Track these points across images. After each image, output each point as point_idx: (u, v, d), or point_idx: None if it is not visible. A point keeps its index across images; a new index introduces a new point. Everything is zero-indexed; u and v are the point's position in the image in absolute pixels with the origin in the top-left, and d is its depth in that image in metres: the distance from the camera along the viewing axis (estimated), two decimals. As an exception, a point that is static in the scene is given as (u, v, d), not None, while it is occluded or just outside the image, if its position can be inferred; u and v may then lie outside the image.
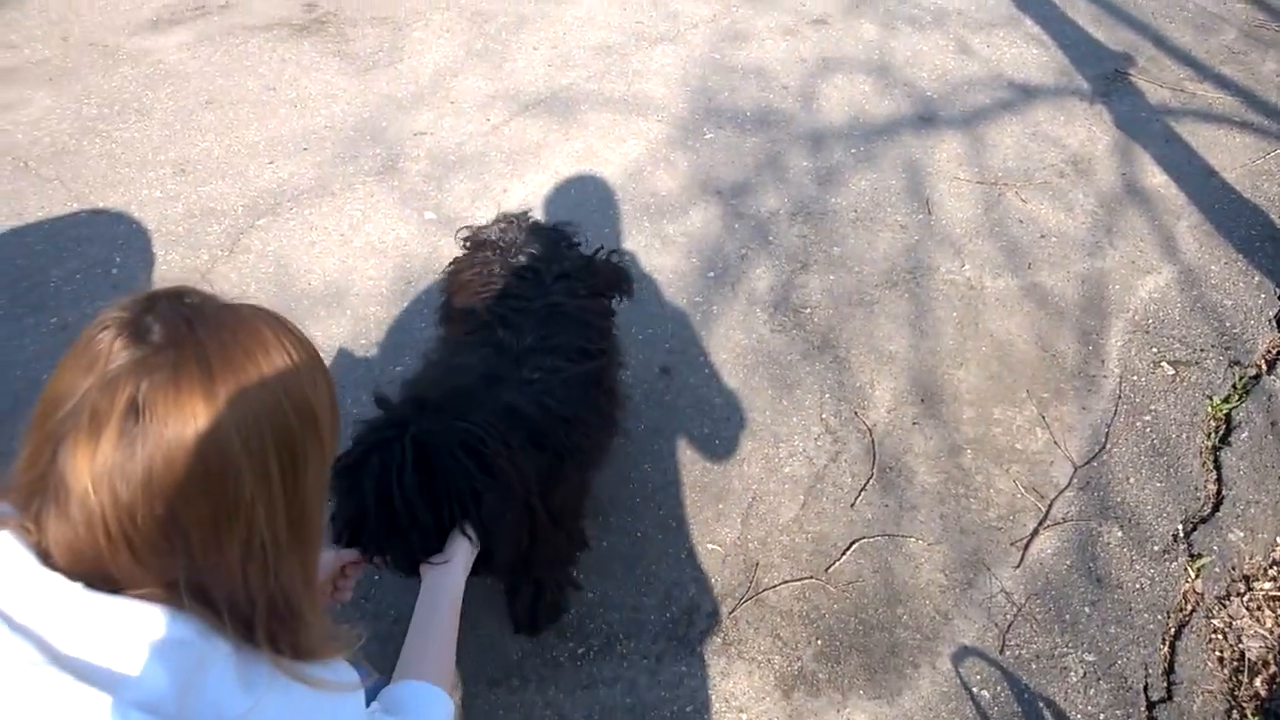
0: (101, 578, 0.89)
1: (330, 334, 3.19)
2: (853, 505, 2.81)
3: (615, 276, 2.63)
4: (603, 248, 2.59)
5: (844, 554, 2.68)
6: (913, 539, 2.73)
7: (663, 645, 2.43)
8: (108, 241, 3.51)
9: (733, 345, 3.31)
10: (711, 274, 3.59)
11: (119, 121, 4.11)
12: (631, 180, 4.01)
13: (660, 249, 3.67)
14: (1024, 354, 3.33)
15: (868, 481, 2.88)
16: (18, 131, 4.00)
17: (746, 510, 2.78)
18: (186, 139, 4.05)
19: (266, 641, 0.97)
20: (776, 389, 3.16)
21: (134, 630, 0.87)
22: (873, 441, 3.01)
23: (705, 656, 2.41)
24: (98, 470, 0.85)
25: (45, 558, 0.89)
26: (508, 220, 2.52)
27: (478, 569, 1.73)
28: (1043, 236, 3.87)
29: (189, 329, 0.93)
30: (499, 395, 1.87)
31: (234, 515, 0.91)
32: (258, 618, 0.96)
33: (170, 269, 3.40)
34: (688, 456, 2.92)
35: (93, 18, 4.82)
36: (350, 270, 3.46)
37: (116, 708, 0.82)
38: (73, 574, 0.88)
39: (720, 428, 3.02)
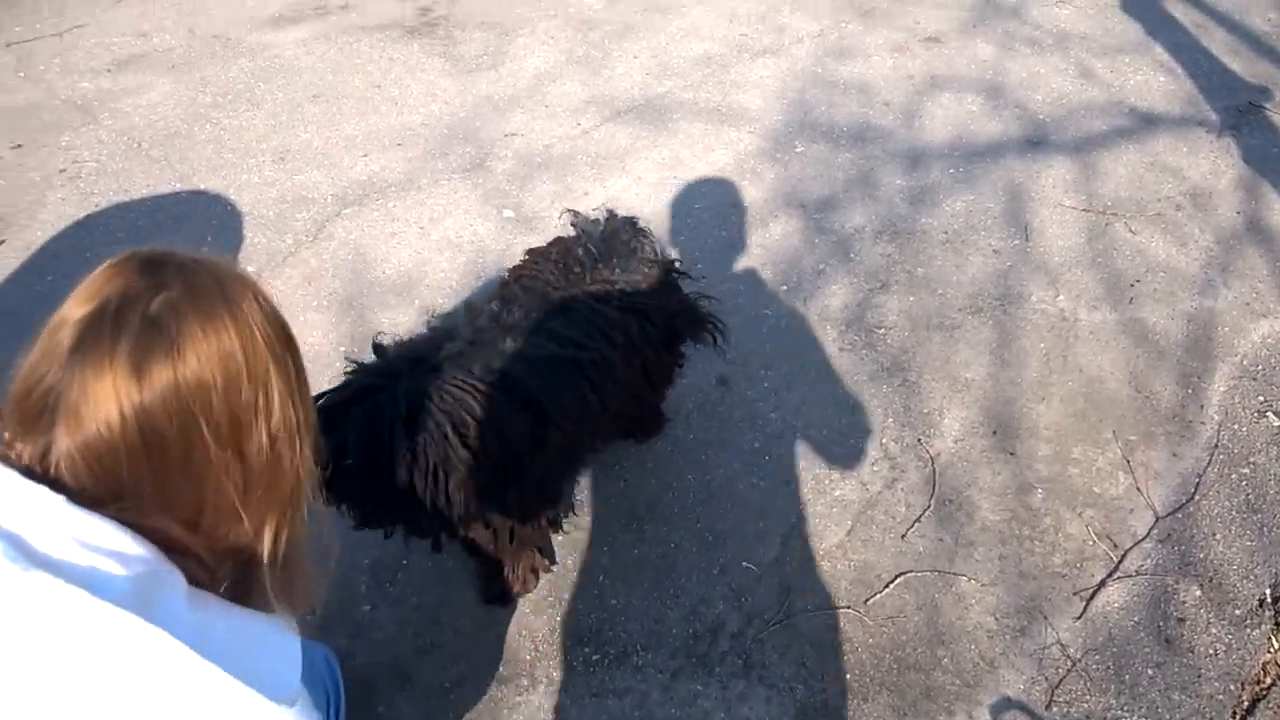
0: (93, 496, 0.93)
1: (396, 321, 3.23)
2: (903, 536, 2.66)
3: (694, 320, 2.54)
4: (689, 273, 2.54)
5: (887, 586, 2.53)
6: (965, 578, 2.55)
7: (680, 661, 2.34)
8: (203, 221, 3.65)
9: (797, 361, 3.19)
10: (785, 287, 3.49)
11: (230, 110, 4.30)
12: (714, 189, 3.94)
13: (734, 259, 3.59)
14: (1114, 392, 3.10)
15: (923, 513, 2.72)
16: (136, 115, 4.23)
17: (789, 531, 2.66)
18: (290, 130, 4.19)
19: (239, 575, 1.04)
20: (837, 409, 3.03)
21: (101, 541, 0.90)
22: (934, 471, 2.85)
23: (724, 678, 2.31)
24: (113, 388, 0.89)
25: (32, 474, 0.93)
26: (605, 218, 2.49)
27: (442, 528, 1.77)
28: (1149, 270, 3.60)
29: (192, 261, 0.98)
30: (478, 357, 1.91)
31: (260, 413, 0.99)
32: (235, 550, 1.03)
33: (256, 250, 3.52)
34: (734, 470, 2.82)
35: (220, 12, 5.07)
36: (424, 262, 3.51)
37: (83, 599, 0.86)
38: (66, 490, 0.92)
39: (772, 444, 2.91)
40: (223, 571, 1.03)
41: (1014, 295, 3.49)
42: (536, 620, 2.43)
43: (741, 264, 3.57)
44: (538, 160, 4.07)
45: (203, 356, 0.92)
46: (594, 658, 2.34)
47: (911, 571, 2.57)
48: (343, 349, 3.07)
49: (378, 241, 3.60)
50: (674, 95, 4.56)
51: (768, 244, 3.68)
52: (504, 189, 3.89)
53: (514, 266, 2.39)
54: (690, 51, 4.95)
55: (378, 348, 1.94)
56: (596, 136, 4.24)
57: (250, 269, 3.43)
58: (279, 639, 1.05)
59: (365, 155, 4.06)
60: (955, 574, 2.56)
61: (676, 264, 2.55)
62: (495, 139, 4.19)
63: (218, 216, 3.68)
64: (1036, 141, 4.35)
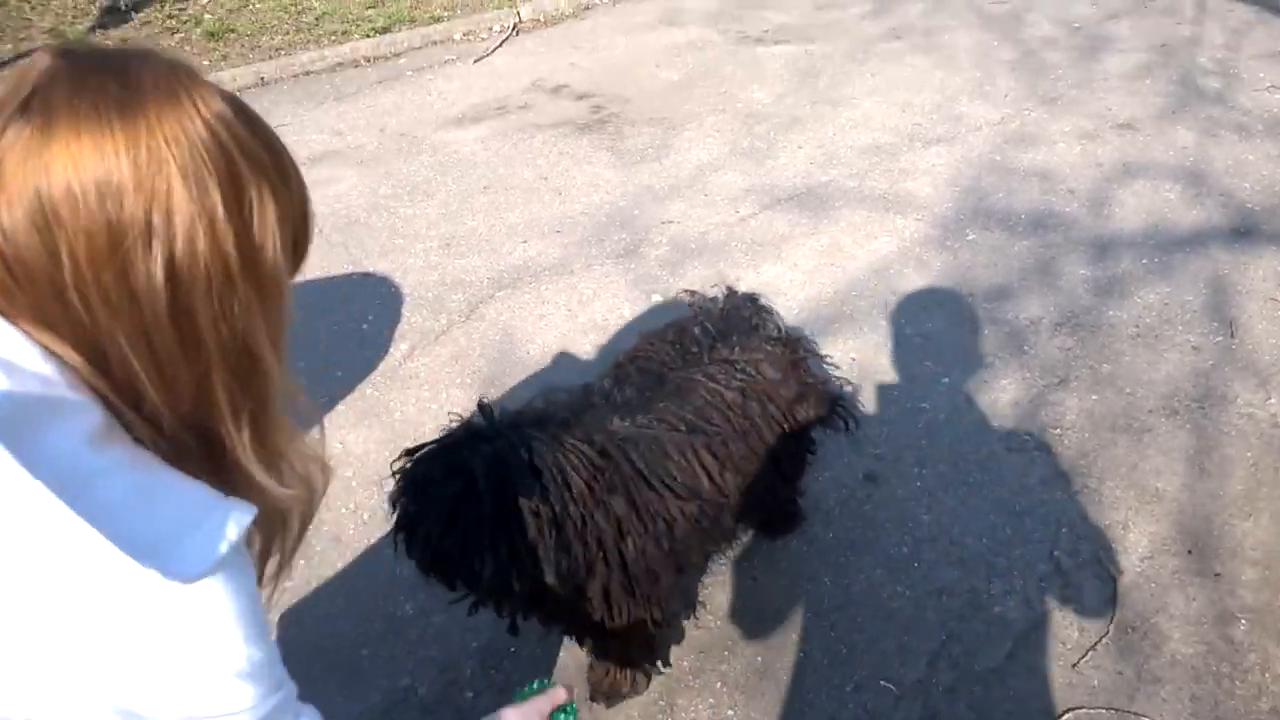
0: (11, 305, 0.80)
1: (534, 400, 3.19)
2: (1075, 666, 2.30)
3: (822, 402, 2.35)
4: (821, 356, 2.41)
5: (1052, 722, 2.18)
6: (1147, 719, 2.17)
7: (801, 787, 2.07)
8: (366, 301, 3.79)
9: (956, 459, 2.90)
10: (946, 380, 3.22)
11: (406, 200, 4.50)
12: (874, 277, 3.74)
13: (892, 348, 3.36)
14: (1341, 512, 2.63)
15: (1100, 639, 2.35)
16: (323, 204, 4.49)
17: (937, 650, 2.35)
18: (459, 218, 4.33)
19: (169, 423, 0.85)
20: (1001, 515, 2.72)
21: None
22: (1116, 592, 2.47)
23: (850, 812, 2.02)
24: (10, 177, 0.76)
25: None
26: (724, 295, 2.38)
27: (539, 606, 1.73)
28: (1387, 374, 3.10)
29: (115, 54, 0.83)
30: (581, 429, 1.79)
31: (152, 239, 0.79)
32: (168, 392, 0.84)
33: (411, 328, 3.60)
34: (877, 577, 2.55)
35: (410, 113, 5.39)
36: (569, 343, 3.47)
37: None
38: None
39: (923, 549, 2.62)
40: (187, 441, 0.88)
41: (1216, 397, 3.07)
42: (645, 725, 2.24)
43: (898, 354, 3.33)
44: (692, 247, 4.00)
45: (71, 160, 0.77)
46: (703, 774, 2.12)
47: (1083, 708, 2.20)
48: (479, 427, 3.05)
49: (526, 323, 3.60)
50: (837, 184, 4.42)
51: (929, 333, 3.43)
52: (655, 274, 3.84)
53: (630, 349, 2.28)
54: (858, 141, 4.81)
55: (482, 406, 1.87)
56: (754, 224, 4.14)
57: (404, 346, 3.51)
58: (204, 510, 0.85)
59: (524, 241, 4.12)
60: (1137, 714, 2.18)
61: (804, 342, 2.37)
62: (651, 226, 4.17)
63: (381, 297, 3.80)
64: (1244, 231, 3.90)
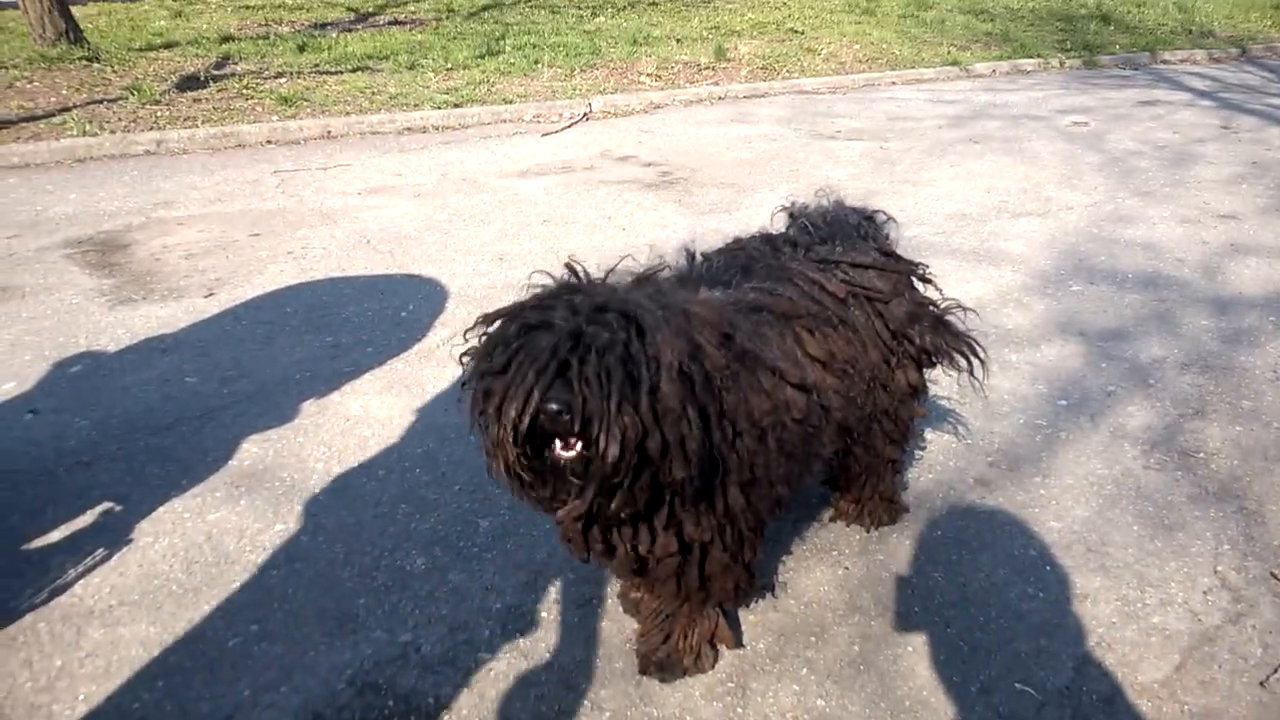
0: None
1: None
2: (1263, 683, 1.77)
3: (944, 332, 1.98)
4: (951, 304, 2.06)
5: (1250, 746, 1.64)
6: (1381, 751, 1.62)
7: (921, 789, 1.54)
8: (408, 295, 3.47)
9: (1085, 473, 2.44)
10: (1063, 402, 2.78)
11: (461, 224, 4.26)
12: (971, 314, 3.36)
13: (997, 371, 2.94)
14: None
15: (1294, 662, 1.83)
16: (374, 221, 4.26)
17: (1084, 655, 1.84)
18: (515, 240, 4.07)
19: None
20: (1146, 526, 2.23)
21: None
22: (1303, 616, 1.96)
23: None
24: None
25: None
26: (831, 204, 2.04)
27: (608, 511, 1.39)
28: None
29: None
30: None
31: None
32: None
33: (453, 319, 3.26)
34: (1000, 577, 2.05)
35: (472, 165, 5.24)
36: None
37: None
38: None
39: (1055, 554, 2.13)
40: None
41: (1389, 437, 2.60)
42: (708, 709, 1.72)
43: (1007, 378, 2.92)
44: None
45: None
46: (788, 764, 1.59)
47: (1288, 733, 1.67)
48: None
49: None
50: (922, 239, 4.12)
51: (1039, 362, 3.02)
52: (726, 294, 3.50)
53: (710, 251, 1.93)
54: (942, 209, 4.55)
55: (569, 266, 1.51)
56: (833, 263, 3.82)
57: (443, 332, 3.17)
58: None
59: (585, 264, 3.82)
60: (1364, 747, 1.63)
61: (923, 268, 2.00)
62: (722, 259, 3.87)
63: (424, 293, 3.49)
64: (1386, 301, 3.51)
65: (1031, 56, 8.74)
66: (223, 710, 1.72)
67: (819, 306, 1.74)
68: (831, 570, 2.08)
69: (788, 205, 2.06)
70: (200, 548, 2.15)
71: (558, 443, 1.30)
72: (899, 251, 1.99)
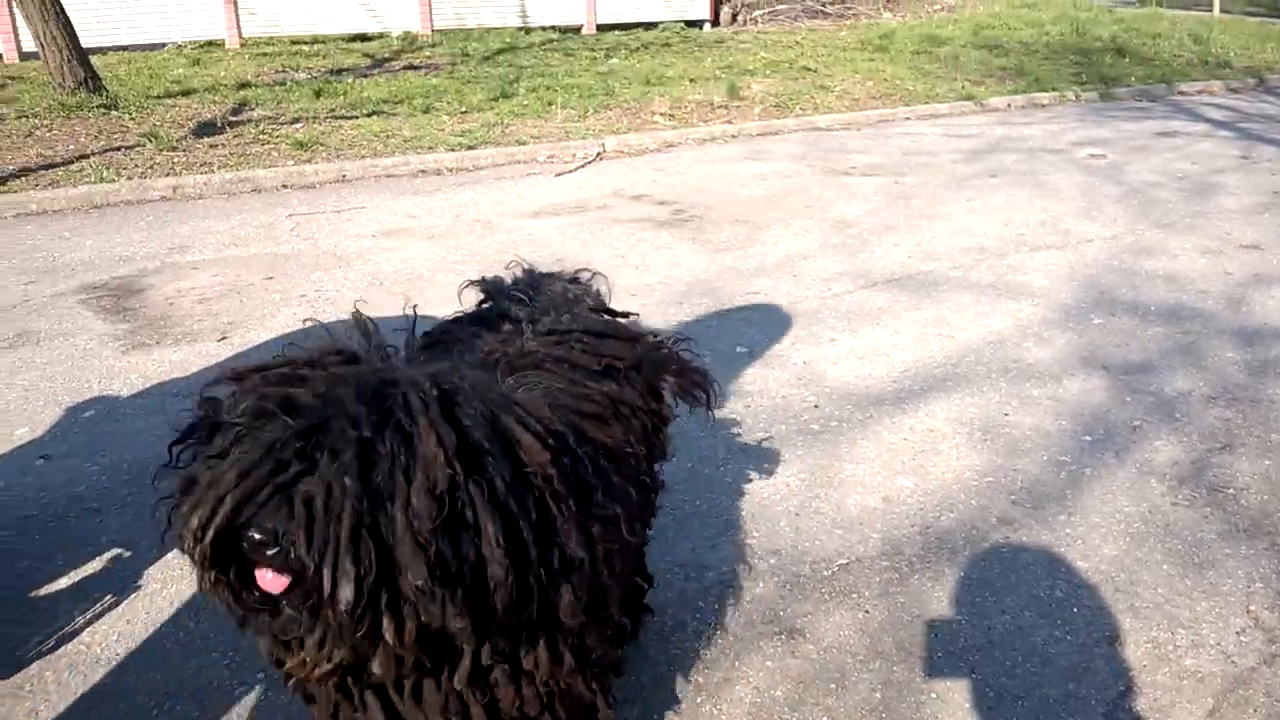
0: None
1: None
2: (1310, 731, 1.70)
3: (674, 374, 1.76)
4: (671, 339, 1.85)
5: (1295, 798, 1.56)
6: None
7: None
8: (416, 333, 3.46)
9: (1112, 510, 2.38)
10: (1088, 438, 2.72)
11: (475, 265, 4.26)
12: (990, 348, 3.32)
13: (1018, 407, 2.89)
14: None
15: (1338, 709, 1.75)
16: (387, 264, 4.27)
17: (1114, 700, 1.77)
18: (527, 283, 4.06)
19: None
20: (1176, 565, 2.16)
21: None
22: (1345, 659, 1.88)
23: None
24: None
25: None
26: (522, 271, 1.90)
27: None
28: None
29: None
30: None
31: None
32: None
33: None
34: (1026, 620, 1.99)
35: (486, 206, 5.26)
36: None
37: None
38: None
39: (1082, 595, 2.06)
40: None
41: None
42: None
43: (1028, 412, 2.86)
44: (781, 312, 3.65)
45: None
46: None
47: (1335, 784, 1.59)
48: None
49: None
50: (940, 273, 4.08)
51: (1061, 397, 2.96)
52: (740, 330, 3.47)
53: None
54: (959, 243, 4.51)
55: (357, 318, 1.37)
56: (849, 299, 3.79)
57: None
58: None
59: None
60: None
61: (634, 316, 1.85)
62: (736, 295, 3.84)
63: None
64: None
65: (1047, 90, 8.74)
66: (226, 764, 1.67)
67: (592, 399, 1.48)
68: (851, 613, 2.02)
69: (478, 280, 1.90)
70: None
71: (267, 571, 1.03)
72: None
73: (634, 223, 4.95)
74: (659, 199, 5.42)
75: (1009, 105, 8.32)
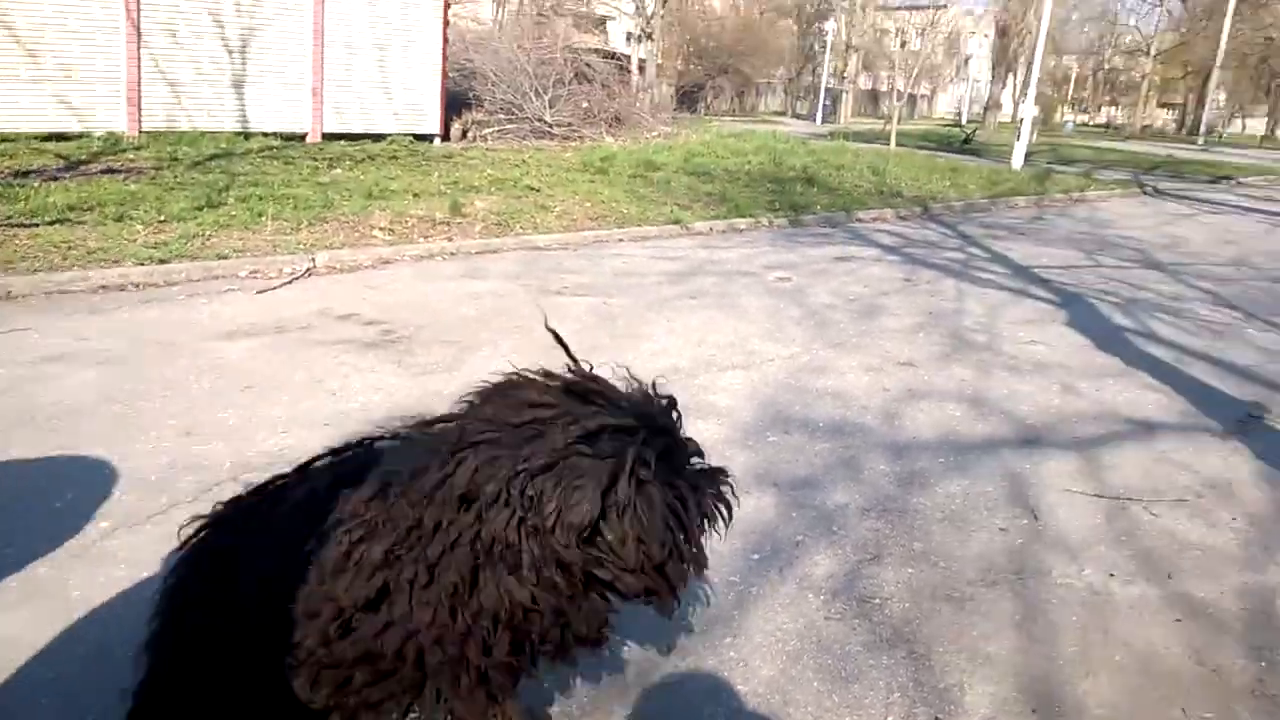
0: None
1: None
2: (929, 838, 1.84)
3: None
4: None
5: None
6: None
7: None
8: (69, 481, 3.13)
9: (773, 629, 2.52)
10: (756, 556, 2.89)
11: (147, 395, 3.95)
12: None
13: (695, 529, 3.03)
14: (1175, 666, 2.42)
15: (953, 810, 1.92)
16: (45, 395, 3.86)
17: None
18: (208, 410, 3.81)
19: None
20: (826, 681, 2.32)
21: None
22: (962, 760, 2.07)
23: None
24: None
25: None
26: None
27: None
28: (1183, 549, 3.07)
29: None
30: None
31: None
32: None
33: (118, 506, 2.96)
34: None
35: (172, 327, 4.92)
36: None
37: None
38: None
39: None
40: None
41: (1032, 570, 2.89)
42: None
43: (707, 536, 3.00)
44: (478, 439, 3.64)
45: None
46: None
47: None
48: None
49: (275, 504, 3.04)
50: (635, 394, 4.26)
51: (737, 517, 3.11)
52: (434, 460, 3.42)
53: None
54: (657, 364, 4.74)
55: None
56: (547, 423, 3.85)
57: (103, 525, 2.86)
58: None
59: (284, 432, 3.64)
60: None
61: None
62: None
63: (89, 478, 3.15)
64: (1031, 440, 3.97)
65: (745, 216, 9.53)
66: None
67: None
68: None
69: (339, 445, 1.89)
70: None
71: None
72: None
73: (337, 344, 4.82)
74: (368, 318, 5.32)
75: (711, 229, 8.98)
